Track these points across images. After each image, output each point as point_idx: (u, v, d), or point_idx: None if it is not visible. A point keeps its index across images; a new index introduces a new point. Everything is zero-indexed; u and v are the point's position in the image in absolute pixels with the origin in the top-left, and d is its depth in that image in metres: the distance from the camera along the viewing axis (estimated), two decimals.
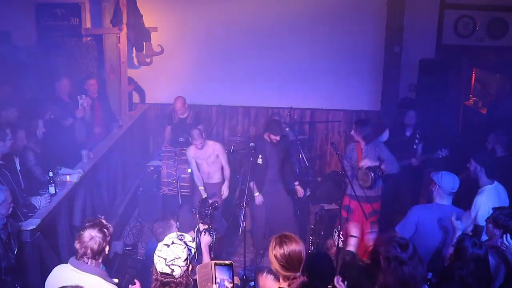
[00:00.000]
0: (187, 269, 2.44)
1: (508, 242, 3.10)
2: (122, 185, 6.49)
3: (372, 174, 4.78)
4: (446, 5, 7.42)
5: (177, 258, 2.39)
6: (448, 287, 2.91)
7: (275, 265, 2.41)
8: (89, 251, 2.66)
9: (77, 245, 2.69)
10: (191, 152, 5.62)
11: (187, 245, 2.47)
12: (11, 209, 3.54)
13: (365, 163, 4.89)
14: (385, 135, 5.91)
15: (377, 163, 4.86)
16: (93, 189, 5.27)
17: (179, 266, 2.39)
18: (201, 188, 5.63)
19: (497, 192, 3.86)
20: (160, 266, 2.38)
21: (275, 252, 2.39)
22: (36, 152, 4.55)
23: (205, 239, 3.57)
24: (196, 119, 6.73)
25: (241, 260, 5.32)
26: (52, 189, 4.29)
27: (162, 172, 6.20)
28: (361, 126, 5.02)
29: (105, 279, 2.67)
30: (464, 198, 3.97)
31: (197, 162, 5.65)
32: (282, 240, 2.40)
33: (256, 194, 5.43)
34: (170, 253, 2.39)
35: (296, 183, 5.62)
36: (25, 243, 3.76)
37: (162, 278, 2.39)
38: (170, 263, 2.38)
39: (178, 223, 4.51)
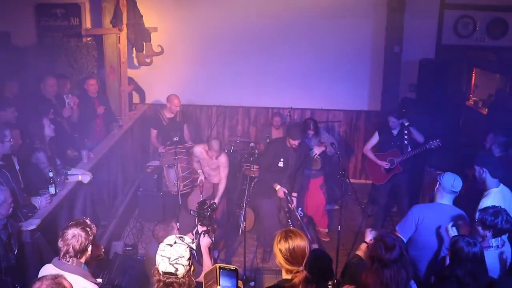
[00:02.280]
0: (190, 269, 2.44)
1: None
2: (122, 185, 6.49)
3: (320, 159, 5.93)
4: (446, 5, 7.43)
5: (181, 257, 2.38)
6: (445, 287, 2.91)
7: (279, 259, 2.45)
8: (71, 249, 2.71)
9: (60, 243, 2.74)
10: (198, 151, 5.64)
11: (189, 245, 2.47)
12: (11, 209, 3.55)
13: (318, 150, 5.89)
14: (375, 137, 5.94)
15: (322, 148, 5.92)
16: (93, 189, 5.26)
17: (183, 265, 2.39)
18: (200, 171, 5.68)
19: (503, 195, 3.84)
20: (164, 265, 2.37)
21: (280, 246, 2.43)
22: (47, 154, 4.59)
23: (205, 241, 3.57)
24: (184, 116, 6.73)
25: (241, 260, 5.32)
26: (52, 189, 4.29)
27: (176, 167, 6.15)
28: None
29: (86, 278, 2.70)
30: (467, 203, 3.97)
31: (200, 161, 5.69)
32: (288, 235, 2.45)
33: (277, 187, 5.39)
34: (174, 252, 2.39)
35: (295, 194, 5.57)
36: (25, 243, 3.77)
37: (165, 279, 2.38)
38: (174, 262, 2.37)
39: (178, 223, 4.51)
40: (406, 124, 5.74)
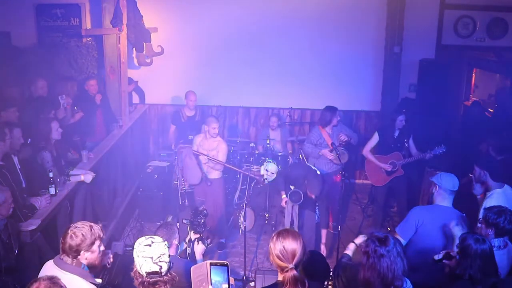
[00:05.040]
0: (171, 265, 2.51)
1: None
2: (122, 186, 6.49)
3: (346, 152, 5.86)
4: (446, 5, 7.43)
5: (162, 255, 2.45)
6: (458, 286, 2.90)
7: (272, 256, 2.52)
8: (67, 247, 2.69)
9: (61, 241, 2.73)
10: (198, 140, 5.70)
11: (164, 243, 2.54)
12: (11, 209, 3.55)
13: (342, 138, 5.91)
14: (375, 138, 5.95)
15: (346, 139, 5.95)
16: (93, 190, 5.27)
17: (166, 262, 2.45)
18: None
19: (506, 196, 3.83)
20: (148, 265, 2.42)
21: (272, 244, 2.52)
22: (53, 154, 4.60)
23: (199, 248, 3.61)
24: (202, 116, 6.80)
25: (241, 260, 5.32)
26: (52, 190, 4.30)
27: (177, 167, 6.12)
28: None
29: (84, 279, 2.68)
30: (465, 205, 3.96)
31: (200, 153, 5.64)
32: (281, 234, 2.53)
33: (283, 196, 5.24)
34: (155, 251, 2.44)
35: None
36: (25, 243, 3.77)
37: (149, 279, 2.42)
38: (157, 260, 2.43)
39: (178, 223, 4.51)
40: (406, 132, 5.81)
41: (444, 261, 3.24)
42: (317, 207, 5.83)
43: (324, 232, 5.23)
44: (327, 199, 5.25)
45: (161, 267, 2.42)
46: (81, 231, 2.70)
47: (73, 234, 2.70)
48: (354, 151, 7.91)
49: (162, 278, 2.43)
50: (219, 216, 5.78)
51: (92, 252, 2.73)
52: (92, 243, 2.72)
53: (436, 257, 3.27)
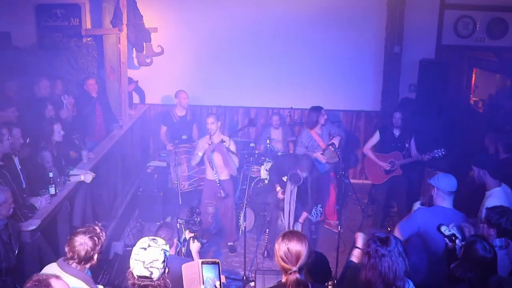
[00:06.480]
0: (164, 271, 2.47)
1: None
2: (122, 185, 6.49)
3: (339, 151, 5.77)
4: (446, 5, 7.43)
5: (155, 261, 2.40)
6: None
7: (277, 257, 2.50)
8: (76, 256, 2.70)
9: (66, 248, 2.73)
10: (202, 140, 5.59)
11: (162, 248, 2.49)
12: (11, 209, 3.55)
13: (337, 141, 5.87)
14: (376, 137, 5.96)
15: (338, 138, 5.94)
16: (93, 190, 5.27)
17: (158, 268, 2.41)
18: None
19: (506, 194, 3.82)
20: (138, 269, 2.39)
21: (277, 245, 2.50)
22: (53, 154, 4.60)
23: (195, 246, 3.61)
24: (193, 116, 6.82)
25: (241, 260, 5.32)
26: (52, 190, 4.30)
27: (181, 167, 6.14)
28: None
29: (87, 284, 2.68)
30: (467, 205, 3.96)
31: (207, 152, 5.54)
32: (286, 235, 2.51)
33: (278, 189, 5.30)
34: (148, 256, 2.40)
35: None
36: (25, 243, 3.77)
37: (140, 282, 2.40)
38: (148, 265, 2.39)
39: (178, 224, 4.52)
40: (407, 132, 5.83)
41: (445, 238, 3.24)
42: (314, 209, 5.85)
43: (304, 215, 5.25)
44: (317, 191, 5.27)
45: (151, 273, 2.39)
46: (90, 240, 2.72)
47: (83, 243, 2.71)
48: (353, 150, 7.96)
49: (153, 283, 2.41)
50: (230, 218, 5.75)
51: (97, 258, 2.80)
52: (101, 249, 2.77)
53: (443, 229, 3.26)
